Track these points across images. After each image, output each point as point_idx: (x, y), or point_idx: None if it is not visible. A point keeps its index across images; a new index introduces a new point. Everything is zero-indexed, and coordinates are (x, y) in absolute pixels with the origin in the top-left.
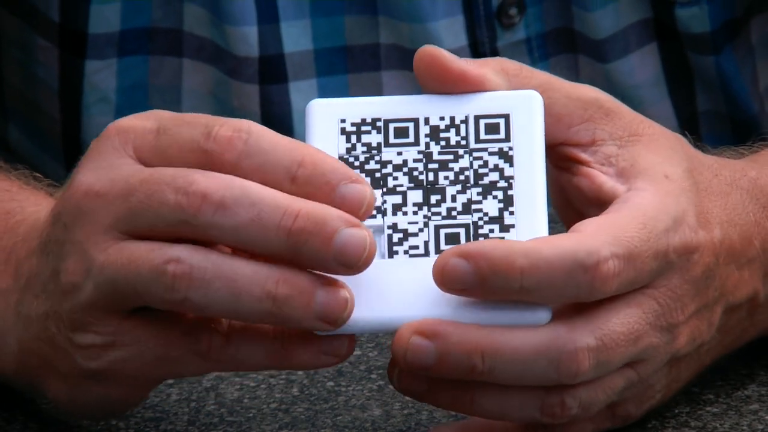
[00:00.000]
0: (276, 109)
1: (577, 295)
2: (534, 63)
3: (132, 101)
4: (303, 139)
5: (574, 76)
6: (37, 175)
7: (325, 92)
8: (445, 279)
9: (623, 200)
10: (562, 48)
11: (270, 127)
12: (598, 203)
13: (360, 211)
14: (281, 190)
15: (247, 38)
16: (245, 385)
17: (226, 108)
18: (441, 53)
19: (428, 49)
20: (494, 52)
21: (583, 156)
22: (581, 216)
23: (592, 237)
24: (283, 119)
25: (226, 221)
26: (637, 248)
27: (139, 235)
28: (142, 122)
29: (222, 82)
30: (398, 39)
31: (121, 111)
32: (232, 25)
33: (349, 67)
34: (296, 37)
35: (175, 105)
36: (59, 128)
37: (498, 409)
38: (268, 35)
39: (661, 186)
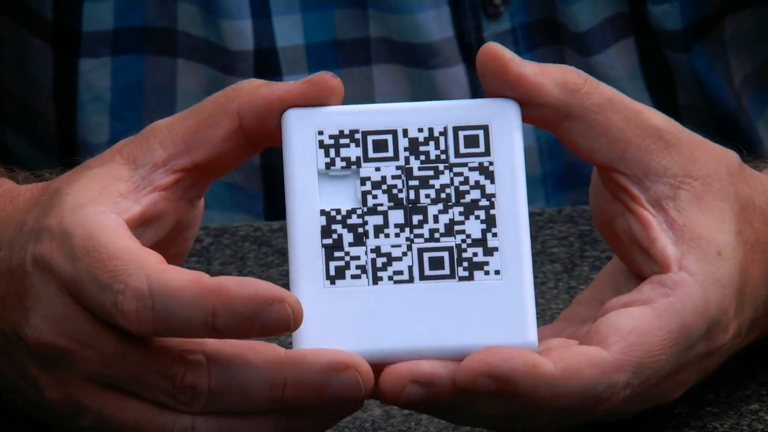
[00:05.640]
0: None
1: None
2: (521, 54)
3: (127, 100)
4: (281, 151)
5: None
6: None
7: None
8: (470, 391)
9: (669, 289)
10: (548, 40)
11: None
12: (645, 251)
13: (290, 329)
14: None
15: (242, 32)
16: None
17: None
18: (503, 52)
19: (491, 47)
20: (480, 43)
21: (635, 190)
22: (622, 246)
23: (616, 367)
24: None
25: (218, 402)
26: (656, 372)
27: (121, 388)
28: (58, 256)
29: (216, 80)
30: (387, 32)
31: (116, 110)
32: (226, 20)
33: (341, 62)
34: (288, 32)
35: (169, 105)
36: (54, 128)
37: None
38: (262, 29)
39: (712, 272)
